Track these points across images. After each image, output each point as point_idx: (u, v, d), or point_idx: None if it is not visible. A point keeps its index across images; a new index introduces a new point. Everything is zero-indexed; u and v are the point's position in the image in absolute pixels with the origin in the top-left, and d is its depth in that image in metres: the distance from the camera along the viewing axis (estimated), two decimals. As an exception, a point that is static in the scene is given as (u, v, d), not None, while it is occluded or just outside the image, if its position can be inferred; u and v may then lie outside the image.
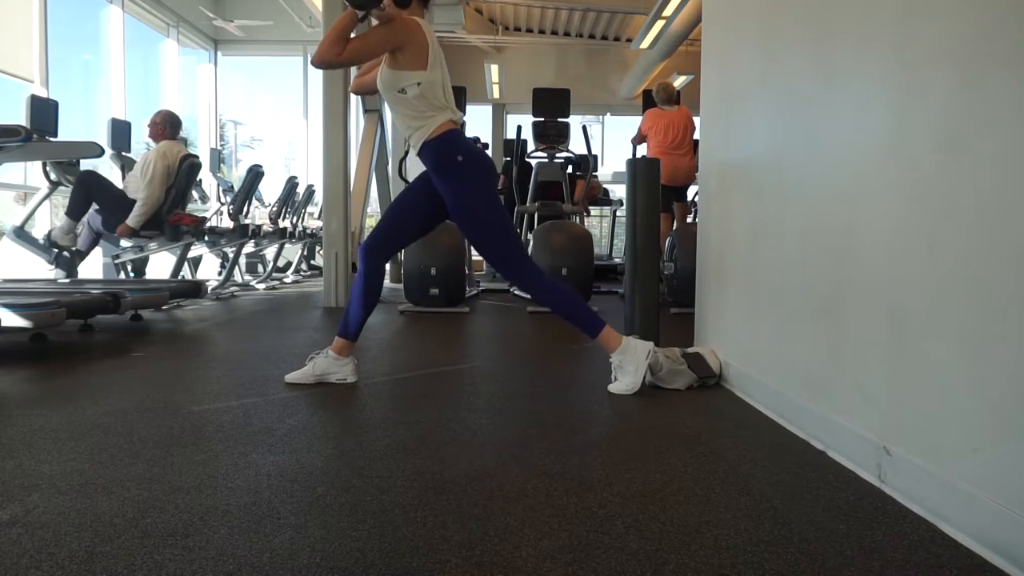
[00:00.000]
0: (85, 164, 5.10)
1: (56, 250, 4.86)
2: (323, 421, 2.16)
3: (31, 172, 5.93)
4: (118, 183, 5.26)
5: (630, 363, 2.49)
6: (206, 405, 2.28)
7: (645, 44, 8.91)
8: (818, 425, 1.92)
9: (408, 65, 2.41)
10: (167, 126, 5.27)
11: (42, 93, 6.01)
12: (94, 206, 4.95)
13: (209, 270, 7.09)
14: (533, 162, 6.54)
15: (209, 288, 5.67)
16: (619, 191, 10.44)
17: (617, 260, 8.71)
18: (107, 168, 5.75)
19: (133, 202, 4.94)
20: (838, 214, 1.85)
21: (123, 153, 5.55)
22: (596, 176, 8.64)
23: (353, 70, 2.78)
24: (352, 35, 2.38)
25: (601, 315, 2.58)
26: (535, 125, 6.33)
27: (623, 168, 3.49)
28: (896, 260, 1.58)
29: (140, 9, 8.36)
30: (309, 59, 10.51)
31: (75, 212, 4.86)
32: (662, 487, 1.60)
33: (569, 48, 12.09)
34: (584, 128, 6.76)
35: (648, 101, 6.10)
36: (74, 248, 4.93)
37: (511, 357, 3.46)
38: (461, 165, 2.46)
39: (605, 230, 11.68)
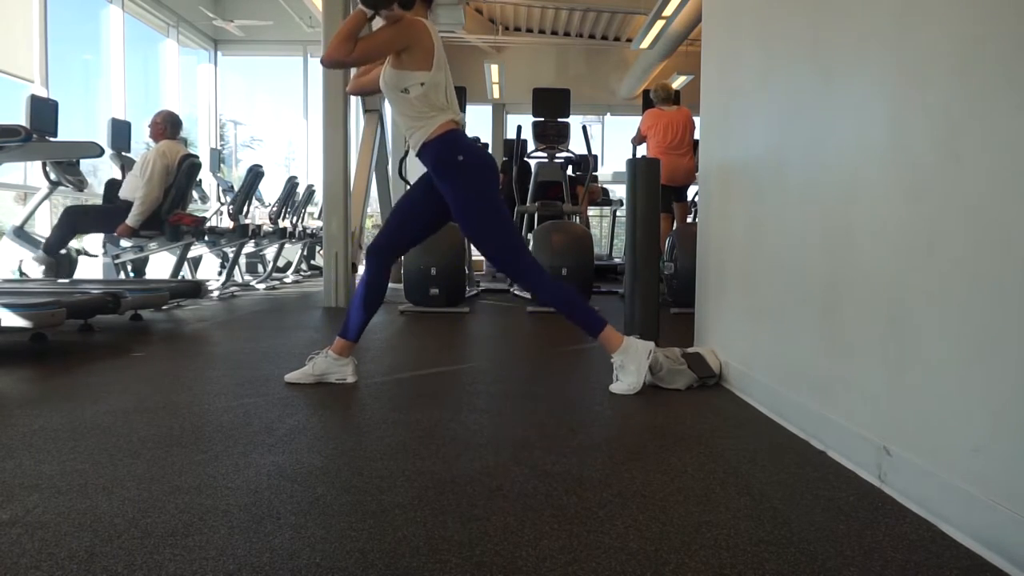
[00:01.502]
0: (85, 165, 5.10)
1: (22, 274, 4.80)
2: (323, 421, 2.16)
3: (31, 172, 5.93)
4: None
5: (631, 363, 2.49)
6: (206, 405, 2.28)
7: (645, 44, 8.91)
8: (818, 425, 1.92)
9: (413, 65, 2.41)
10: (168, 126, 5.27)
11: (42, 93, 6.01)
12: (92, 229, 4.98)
13: (209, 270, 7.09)
14: (533, 162, 6.54)
15: (215, 293, 5.68)
16: (619, 191, 10.44)
17: (617, 260, 8.71)
18: (107, 168, 5.75)
19: (126, 207, 4.95)
20: (838, 214, 1.85)
21: (123, 153, 5.55)
22: (596, 177, 8.65)
23: (352, 70, 2.76)
24: (360, 34, 2.38)
25: (602, 315, 2.58)
26: (535, 125, 6.33)
27: (623, 168, 3.49)
28: (896, 260, 1.58)
29: (140, 9, 8.36)
30: (309, 59, 10.53)
31: (53, 248, 4.82)
32: (662, 487, 1.60)
33: (569, 48, 12.09)
34: (584, 128, 6.76)
35: (647, 101, 6.10)
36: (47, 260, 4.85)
37: (511, 357, 3.46)
38: (461, 164, 2.45)
39: (605, 230, 11.68)
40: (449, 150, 2.46)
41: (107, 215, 5.03)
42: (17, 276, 4.78)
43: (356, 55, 2.37)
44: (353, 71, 2.71)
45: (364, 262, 2.63)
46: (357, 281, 5.70)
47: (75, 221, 4.93)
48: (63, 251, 4.89)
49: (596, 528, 1.36)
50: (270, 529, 1.33)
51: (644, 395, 2.48)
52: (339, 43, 2.34)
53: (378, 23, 2.47)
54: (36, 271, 4.76)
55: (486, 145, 6.47)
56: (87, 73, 8.57)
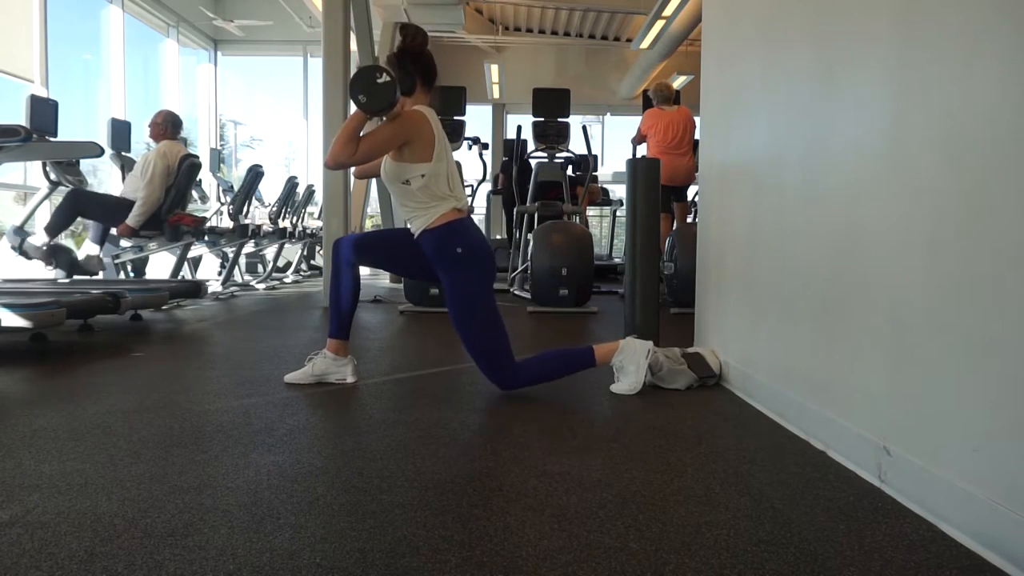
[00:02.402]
0: (85, 165, 5.10)
1: (21, 252, 4.79)
2: (323, 421, 2.16)
3: (31, 172, 5.93)
4: (118, 183, 5.26)
5: (630, 363, 2.49)
6: (206, 405, 2.28)
7: (645, 44, 8.91)
8: (818, 425, 1.92)
9: (413, 158, 2.39)
10: (168, 126, 5.27)
11: (42, 93, 6.02)
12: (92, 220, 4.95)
13: (209, 270, 7.09)
14: (533, 162, 6.54)
15: (216, 294, 5.67)
16: (619, 191, 10.44)
17: (617, 260, 8.71)
18: (107, 168, 5.75)
19: (129, 205, 4.94)
20: (838, 214, 1.85)
21: (123, 153, 5.55)
22: (596, 177, 8.65)
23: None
24: (362, 132, 2.36)
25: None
26: (535, 125, 6.33)
27: (623, 168, 3.49)
28: (896, 260, 1.58)
29: (140, 9, 8.37)
30: (309, 59, 10.54)
31: (54, 230, 4.81)
32: (662, 487, 1.60)
33: (569, 48, 12.10)
34: (584, 128, 6.76)
35: (647, 102, 6.10)
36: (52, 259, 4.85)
37: (511, 357, 3.45)
38: (460, 256, 2.42)
39: (605, 230, 11.68)
40: (449, 241, 2.42)
41: (110, 206, 5.00)
42: (17, 251, 4.75)
43: (360, 155, 2.34)
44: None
45: (332, 255, 2.59)
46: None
47: (79, 205, 4.89)
48: (59, 244, 4.88)
49: (596, 528, 1.36)
50: (270, 529, 1.34)
51: (644, 395, 2.48)
52: (342, 145, 2.32)
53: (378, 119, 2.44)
54: (36, 252, 4.75)
55: (486, 145, 6.44)
56: (87, 73, 8.57)
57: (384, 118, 2.41)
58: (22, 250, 4.75)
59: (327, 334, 2.61)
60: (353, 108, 2.32)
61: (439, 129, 2.46)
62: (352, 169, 2.72)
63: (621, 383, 2.52)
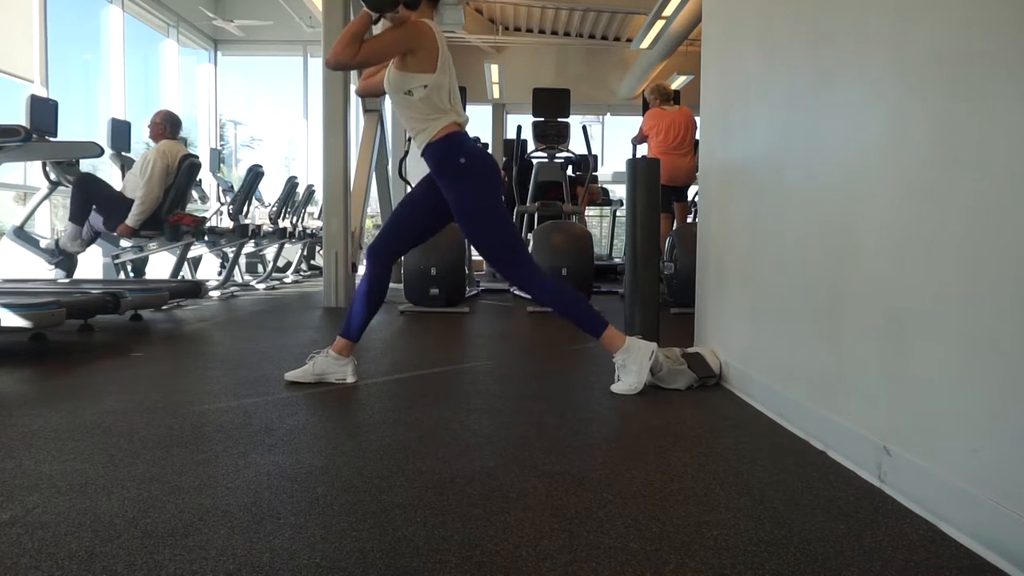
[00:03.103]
0: (84, 164, 5.10)
1: (60, 255, 4.85)
2: (323, 421, 2.16)
3: (31, 172, 5.93)
4: (118, 183, 5.26)
5: (633, 363, 2.49)
6: (206, 405, 2.28)
7: (645, 44, 8.91)
8: (818, 425, 1.92)
9: (417, 68, 2.41)
10: (167, 126, 5.27)
11: (42, 93, 6.01)
12: (93, 207, 4.94)
13: (209, 270, 7.09)
14: (533, 162, 6.54)
15: (215, 293, 5.67)
16: (619, 191, 10.44)
17: (617, 260, 8.71)
18: (107, 168, 5.75)
19: (132, 202, 4.94)
20: (838, 214, 1.85)
21: (123, 153, 5.55)
22: (596, 177, 8.65)
23: (355, 71, 2.76)
24: (366, 36, 2.38)
25: (603, 315, 2.58)
26: (535, 125, 6.33)
27: (623, 168, 3.49)
28: (896, 260, 1.58)
29: (140, 9, 8.36)
30: (309, 59, 10.53)
31: (78, 216, 4.86)
32: (662, 487, 1.60)
33: (569, 48, 12.09)
34: (584, 128, 6.76)
35: (647, 104, 6.10)
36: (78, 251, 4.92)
37: (511, 357, 3.46)
38: (464, 167, 2.46)
39: (605, 230, 11.68)
40: (452, 152, 2.46)
41: (113, 198, 5.00)
42: (55, 251, 4.84)
43: (361, 57, 2.36)
44: (355, 72, 2.71)
45: (364, 262, 2.63)
46: (357, 281, 5.71)
47: (88, 189, 4.89)
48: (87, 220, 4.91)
49: (596, 528, 1.36)
50: (270, 529, 1.34)
51: (644, 395, 2.48)
52: (344, 45, 2.34)
53: (383, 24, 2.46)
54: (73, 245, 4.84)
55: (486, 145, 6.45)
56: (87, 73, 8.57)
57: (390, 21, 2.41)
58: (62, 253, 4.81)
59: (339, 332, 2.61)
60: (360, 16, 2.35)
61: (443, 43, 2.47)
62: (358, 83, 2.76)
63: (622, 383, 2.52)
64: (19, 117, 4.38)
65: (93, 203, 4.93)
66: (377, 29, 2.48)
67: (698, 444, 1.94)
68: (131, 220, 4.91)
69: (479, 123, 12.59)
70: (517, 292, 6.06)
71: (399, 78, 2.44)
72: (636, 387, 2.48)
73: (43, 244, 4.87)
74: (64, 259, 4.89)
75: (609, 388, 2.54)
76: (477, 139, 6.18)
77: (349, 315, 2.61)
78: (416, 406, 2.33)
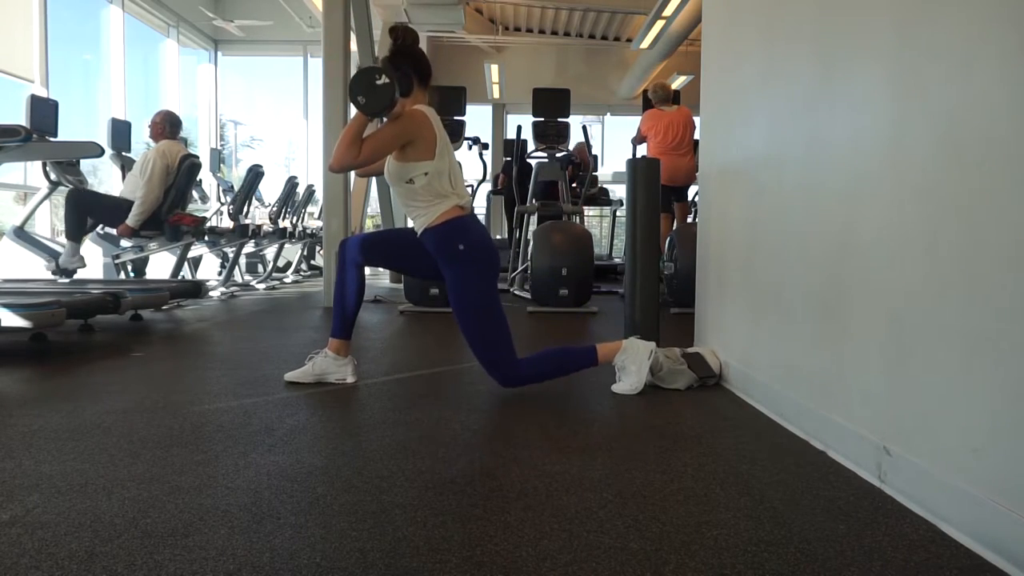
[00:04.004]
0: (85, 165, 5.09)
1: (62, 273, 4.82)
2: (323, 421, 2.16)
3: (31, 172, 5.93)
4: (118, 183, 5.26)
5: (632, 363, 2.49)
6: (206, 405, 2.28)
7: (645, 44, 8.91)
8: (818, 425, 1.92)
9: (416, 157, 2.40)
10: (167, 126, 5.27)
11: (42, 93, 6.02)
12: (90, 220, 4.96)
13: (209, 270, 7.09)
14: (533, 162, 6.54)
15: (215, 293, 5.67)
16: (619, 191, 10.44)
17: (617, 260, 8.71)
18: (107, 168, 5.75)
19: (128, 205, 4.94)
20: (838, 214, 1.85)
21: (123, 153, 5.55)
22: (596, 178, 8.64)
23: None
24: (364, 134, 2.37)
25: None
26: (535, 125, 6.33)
27: (623, 168, 3.49)
28: (896, 260, 1.58)
29: (140, 9, 8.37)
30: (309, 59, 10.53)
31: (74, 233, 4.83)
32: (662, 487, 1.60)
33: (569, 48, 12.10)
34: (584, 128, 6.76)
35: (647, 102, 6.10)
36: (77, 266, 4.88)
37: (511, 357, 3.45)
38: (461, 254, 2.43)
39: (605, 230, 11.68)
40: (450, 238, 2.43)
41: (108, 205, 5.01)
42: (56, 269, 4.80)
43: (363, 157, 2.35)
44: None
45: (337, 255, 2.61)
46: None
47: (80, 206, 4.89)
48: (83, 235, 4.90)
49: (596, 528, 1.36)
50: (270, 529, 1.34)
51: (644, 395, 2.48)
52: (345, 148, 2.33)
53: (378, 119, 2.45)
54: (72, 262, 4.79)
55: (486, 145, 6.44)
56: (87, 73, 8.58)
57: (385, 119, 2.41)
58: (62, 271, 4.78)
59: (329, 333, 2.61)
60: (353, 111, 2.33)
61: (440, 127, 2.47)
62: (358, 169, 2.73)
63: (622, 383, 2.52)
64: (19, 117, 4.38)
65: (90, 217, 4.94)
66: (374, 123, 2.46)
67: (698, 444, 1.94)
68: (131, 220, 4.91)
69: (479, 123, 12.60)
70: (517, 292, 6.06)
71: (399, 169, 2.43)
72: (637, 387, 2.48)
73: (45, 265, 4.84)
74: (78, 248, 4.88)
75: (610, 388, 2.54)
76: (477, 139, 6.22)
77: (336, 313, 2.60)
78: (416, 406, 2.33)
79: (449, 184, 2.46)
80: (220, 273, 6.54)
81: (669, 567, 1.21)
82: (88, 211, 4.96)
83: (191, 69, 10.10)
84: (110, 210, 4.97)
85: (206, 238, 5.70)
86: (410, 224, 2.56)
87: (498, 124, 12.70)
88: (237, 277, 6.87)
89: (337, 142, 2.37)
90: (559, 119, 6.29)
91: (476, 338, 2.45)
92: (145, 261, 5.54)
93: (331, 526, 1.35)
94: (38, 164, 4.99)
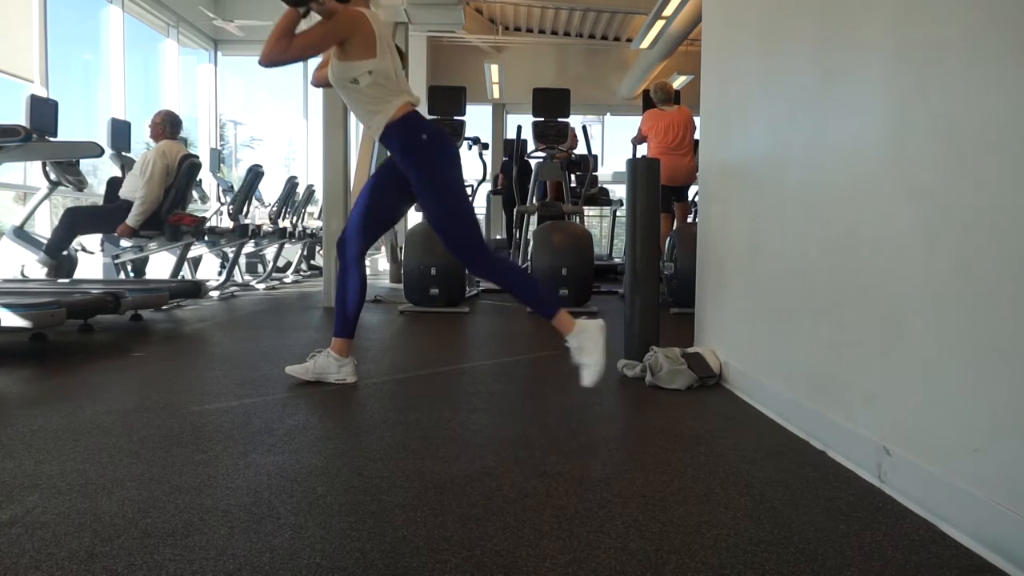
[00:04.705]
0: (84, 165, 5.10)
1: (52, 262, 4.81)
2: (323, 421, 2.16)
3: (31, 172, 5.93)
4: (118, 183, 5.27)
5: (588, 340, 2.42)
6: (206, 405, 2.28)
7: (645, 44, 8.91)
8: (818, 425, 1.92)
9: (356, 55, 2.41)
10: (167, 126, 5.28)
11: (42, 93, 6.01)
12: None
13: (209, 270, 7.09)
14: (533, 162, 6.54)
15: (215, 293, 5.67)
16: (619, 191, 10.44)
17: (617, 260, 8.71)
18: (107, 168, 5.75)
19: (125, 209, 4.94)
20: (838, 214, 1.85)
21: (123, 153, 5.55)
22: (596, 178, 8.64)
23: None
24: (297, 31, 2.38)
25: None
26: (535, 125, 6.33)
27: (623, 168, 3.49)
28: (896, 260, 1.58)
29: (140, 9, 8.36)
30: (309, 59, 10.53)
31: (55, 250, 4.80)
32: (662, 487, 1.60)
33: (569, 48, 12.10)
34: (584, 128, 6.76)
35: (648, 102, 6.10)
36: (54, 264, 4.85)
37: (511, 357, 3.46)
38: (426, 144, 2.46)
39: (605, 230, 11.68)
40: (413, 130, 2.47)
41: (108, 215, 5.03)
42: (20, 278, 4.78)
43: (292, 53, 2.37)
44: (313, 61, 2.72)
45: (337, 255, 2.62)
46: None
47: (76, 222, 4.93)
48: (64, 252, 4.89)
49: (596, 528, 1.36)
50: (270, 529, 1.33)
51: (644, 395, 2.48)
52: (273, 42, 2.36)
53: (316, 18, 2.46)
54: (39, 273, 4.75)
55: (486, 145, 6.43)
56: (87, 73, 8.57)
57: (320, 16, 2.41)
58: (25, 276, 4.77)
59: (332, 333, 2.61)
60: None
61: (380, 27, 2.47)
62: (312, 75, 2.75)
63: (589, 369, 2.42)
64: (19, 117, 4.38)
65: (90, 232, 4.98)
66: (305, 25, 2.47)
67: (698, 444, 1.94)
68: (131, 220, 4.91)
69: (479, 123, 12.60)
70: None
71: (341, 68, 2.44)
72: (599, 362, 2.41)
73: (37, 258, 4.81)
74: (55, 266, 4.85)
75: (586, 384, 2.44)
76: (477, 139, 6.21)
77: (338, 313, 2.60)
78: (416, 406, 2.33)
79: (396, 83, 2.48)
80: (220, 273, 6.54)
81: (669, 567, 1.21)
82: (87, 228, 4.98)
83: (191, 69, 10.10)
84: (110, 219, 4.97)
85: (206, 238, 5.69)
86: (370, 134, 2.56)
87: (498, 124, 12.70)
88: (237, 277, 6.87)
89: (267, 37, 2.38)
90: (559, 119, 6.29)
91: (456, 225, 2.50)
92: (145, 261, 5.54)
93: (331, 526, 1.35)
94: (38, 164, 4.99)
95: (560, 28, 11.76)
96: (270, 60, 2.38)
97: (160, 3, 8.66)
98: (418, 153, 2.47)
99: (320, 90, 5.45)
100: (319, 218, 7.95)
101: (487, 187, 9.21)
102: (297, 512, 1.42)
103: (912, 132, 1.53)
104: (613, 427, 2.14)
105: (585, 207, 7.30)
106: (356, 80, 2.43)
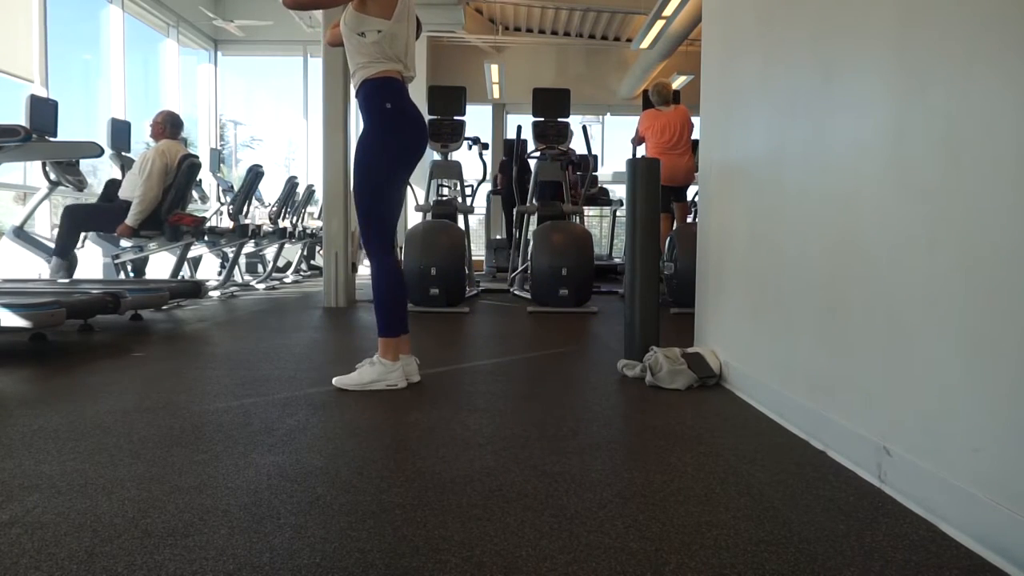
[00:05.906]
0: (84, 165, 5.10)
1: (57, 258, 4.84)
2: (323, 421, 2.16)
3: (31, 172, 5.93)
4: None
5: (376, 374, 2.49)
6: (206, 405, 2.28)
7: (645, 44, 8.91)
8: (818, 425, 1.92)
9: (374, 11, 2.42)
10: (168, 126, 5.28)
11: (42, 93, 6.02)
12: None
13: (209, 270, 7.09)
14: (532, 162, 6.53)
15: (215, 293, 5.67)
16: (619, 191, 10.44)
17: (617, 260, 8.71)
18: (107, 168, 5.75)
19: (127, 207, 4.95)
20: (838, 214, 1.85)
21: (123, 153, 5.55)
22: (595, 178, 8.64)
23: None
24: None
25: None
26: (535, 125, 6.33)
27: (623, 168, 3.49)
28: (896, 260, 1.58)
29: (140, 9, 8.36)
30: (309, 59, 10.53)
31: (65, 251, 4.84)
32: (662, 487, 1.60)
33: (569, 48, 12.09)
34: (584, 128, 6.75)
35: (647, 102, 6.10)
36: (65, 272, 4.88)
37: (511, 357, 3.46)
38: (385, 114, 2.46)
39: (605, 230, 11.68)
40: (381, 94, 2.46)
41: (107, 213, 5.04)
42: (20, 278, 4.80)
43: None
44: (320, 15, 2.73)
45: (367, 252, 2.60)
46: (357, 281, 5.70)
47: (77, 219, 4.93)
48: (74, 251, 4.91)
49: (596, 528, 1.36)
50: (270, 529, 1.34)
51: (644, 395, 2.48)
52: None
53: None
54: (57, 276, 4.79)
55: (486, 145, 6.43)
56: (87, 73, 8.57)
57: None
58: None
59: (377, 334, 2.57)
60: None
61: None
62: (327, 32, 2.75)
63: (348, 377, 2.51)
64: (19, 117, 4.38)
65: (91, 230, 4.98)
66: None
67: (698, 444, 1.94)
68: (130, 219, 4.91)
69: (479, 123, 12.59)
70: (517, 292, 6.06)
71: (354, 19, 2.45)
72: (354, 384, 2.47)
73: (58, 269, 4.84)
74: (67, 266, 4.88)
75: (333, 381, 2.51)
76: (477, 139, 6.21)
77: (380, 313, 2.56)
78: (416, 406, 2.33)
79: (401, 52, 2.48)
80: (220, 273, 6.54)
81: (669, 567, 1.21)
82: (87, 226, 4.99)
83: (191, 69, 10.10)
84: (109, 218, 4.98)
85: (206, 238, 5.70)
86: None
87: (498, 124, 12.69)
88: (237, 277, 6.87)
89: None
90: (559, 119, 6.29)
91: (358, 204, 2.49)
92: (145, 261, 5.54)
93: (331, 526, 1.35)
94: (38, 164, 4.99)
95: (560, 28, 11.76)
96: (296, 2, 2.39)
97: (160, 3, 8.66)
98: (375, 115, 2.46)
99: (320, 90, 5.47)
100: (319, 218, 7.96)
101: (487, 187, 9.22)
102: (297, 512, 1.42)
103: (912, 131, 1.53)
104: (613, 427, 2.14)
105: (585, 207, 7.30)
106: (363, 34, 2.43)
